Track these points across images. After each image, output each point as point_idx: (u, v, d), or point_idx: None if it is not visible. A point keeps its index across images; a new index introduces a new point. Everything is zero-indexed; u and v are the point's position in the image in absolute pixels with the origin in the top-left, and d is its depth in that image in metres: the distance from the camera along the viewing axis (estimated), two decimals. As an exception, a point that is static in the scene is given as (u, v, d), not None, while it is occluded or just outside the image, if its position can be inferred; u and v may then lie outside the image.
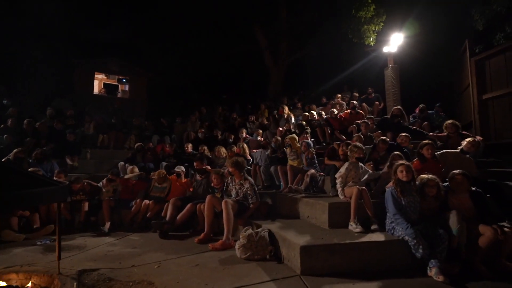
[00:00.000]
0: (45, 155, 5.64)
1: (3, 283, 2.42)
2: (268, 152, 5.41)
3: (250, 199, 4.04)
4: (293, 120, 7.76)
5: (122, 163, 6.31)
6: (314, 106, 8.61)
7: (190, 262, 3.11)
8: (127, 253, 3.47)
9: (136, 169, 5.48)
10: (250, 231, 3.36)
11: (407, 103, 7.42)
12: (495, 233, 2.75)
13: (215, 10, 11.24)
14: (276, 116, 8.35)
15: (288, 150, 4.84)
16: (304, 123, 6.38)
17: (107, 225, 4.56)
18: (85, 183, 5.05)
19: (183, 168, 5.25)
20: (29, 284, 2.52)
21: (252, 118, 8.67)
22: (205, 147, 6.26)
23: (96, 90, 12.12)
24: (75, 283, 2.39)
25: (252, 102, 11.39)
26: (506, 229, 2.81)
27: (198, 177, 4.83)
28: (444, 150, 4.10)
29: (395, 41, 7.27)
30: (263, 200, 4.64)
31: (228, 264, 3.07)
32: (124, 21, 12.03)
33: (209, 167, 5.04)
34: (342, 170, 3.83)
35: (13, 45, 10.78)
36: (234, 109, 10.79)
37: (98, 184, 5.20)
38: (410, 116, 6.73)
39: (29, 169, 4.49)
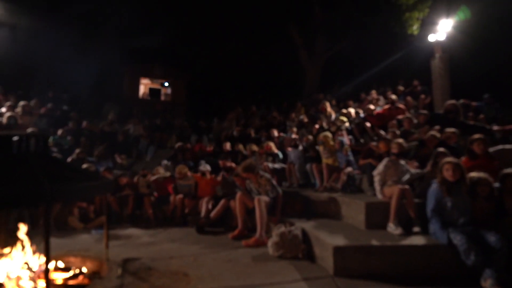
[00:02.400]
0: (105, 154, 6.21)
1: (65, 265, 2.77)
2: (300, 150, 5.32)
3: (270, 194, 4.01)
4: (333, 117, 7.53)
5: (166, 161, 6.71)
6: (351, 103, 8.25)
7: (224, 257, 3.20)
8: (166, 245, 3.69)
9: (161, 170, 5.67)
10: (283, 229, 3.35)
11: (456, 95, 6.73)
12: None
13: (249, 10, 11.37)
14: (313, 113, 8.19)
15: (321, 148, 4.71)
16: (345, 118, 6.13)
17: (152, 219, 4.90)
18: (129, 179, 5.47)
19: (207, 167, 5.34)
20: (84, 268, 2.83)
21: (293, 116, 8.62)
22: (241, 145, 6.39)
23: (141, 94, 13.10)
24: (119, 270, 2.62)
25: (288, 100, 11.32)
26: None
27: (225, 175, 4.95)
28: (501, 146, 3.64)
29: (443, 28, 6.60)
30: (298, 199, 4.58)
31: (261, 261, 3.10)
32: (163, 27, 12.75)
33: (234, 164, 5.12)
34: (380, 167, 3.62)
35: (72, 57, 12.12)
36: (270, 108, 10.82)
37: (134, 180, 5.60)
38: None
39: (83, 166, 5.00)
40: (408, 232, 3.02)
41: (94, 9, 11.76)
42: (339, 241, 2.86)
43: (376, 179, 3.62)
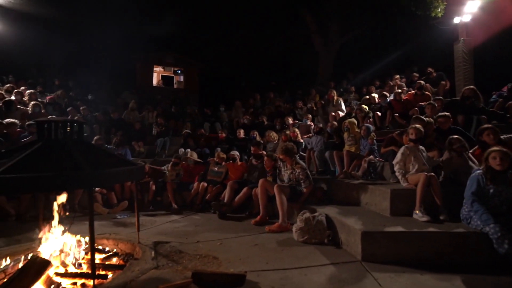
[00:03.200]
0: (122, 142, 6.35)
1: (100, 247, 2.89)
2: (323, 137, 5.29)
3: (303, 183, 4.03)
4: (342, 105, 7.44)
5: (182, 149, 6.78)
6: (373, 88, 8.08)
7: (249, 242, 3.26)
8: (191, 230, 3.78)
9: (195, 155, 5.87)
10: (307, 214, 3.38)
11: (481, 81, 6.48)
12: None
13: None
14: (323, 101, 8.08)
15: (345, 135, 4.65)
16: (366, 107, 6.00)
17: (174, 205, 5.00)
18: (149, 167, 5.58)
19: (237, 152, 5.46)
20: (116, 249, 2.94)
21: (300, 104, 8.55)
22: (257, 132, 6.41)
23: (155, 82, 13.14)
24: (153, 252, 2.70)
25: (302, 87, 11.20)
26: None
27: (254, 161, 4.97)
28: None
29: (469, 9, 6.29)
30: (318, 186, 4.60)
31: (286, 245, 3.15)
32: (175, 15, 12.60)
33: (264, 152, 5.14)
34: (398, 155, 3.58)
35: (86, 46, 12.17)
36: (283, 96, 10.73)
37: (163, 168, 5.70)
38: (493, 94, 5.85)
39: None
40: (435, 220, 3.01)
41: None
42: (366, 227, 2.87)
43: (396, 167, 3.59)
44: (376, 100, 6.72)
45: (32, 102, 6.77)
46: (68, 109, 7.78)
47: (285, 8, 11.63)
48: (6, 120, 5.31)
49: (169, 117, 9.10)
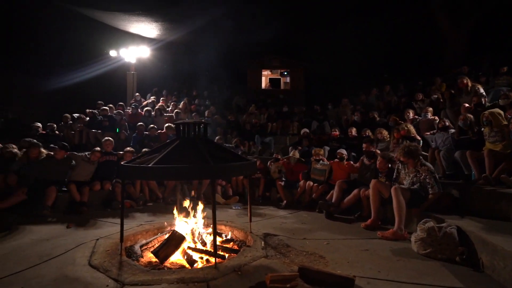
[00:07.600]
0: (241, 142, 7.19)
1: (219, 231, 3.35)
2: (452, 133, 4.38)
3: (430, 189, 3.45)
4: (481, 91, 5.90)
5: (291, 147, 7.00)
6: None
7: (358, 246, 3.06)
8: (298, 227, 3.84)
9: (297, 154, 5.94)
10: (431, 224, 2.89)
11: None
12: None
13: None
14: (453, 91, 6.61)
15: (486, 130, 3.70)
16: None
17: (284, 201, 5.22)
18: (261, 163, 6.01)
19: (345, 151, 5.21)
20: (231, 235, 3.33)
21: (421, 96, 7.33)
22: (369, 131, 5.93)
23: (263, 85, 14.13)
24: (262, 242, 2.92)
25: (422, 77, 9.60)
26: None
27: (366, 160, 4.62)
28: None
29: None
30: (445, 191, 3.85)
31: (403, 256, 2.79)
32: (280, 20, 13.04)
33: (378, 151, 4.71)
34: None
35: (208, 60, 14.28)
36: (398, 89, 9.51)
37: (267, 165, 6.07)
38: None
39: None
40: None
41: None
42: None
43: None
44: None
45: (175, 111, 8.64)
46: (193, 114, 9.37)
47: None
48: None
49: (277, 117, 9.57)
